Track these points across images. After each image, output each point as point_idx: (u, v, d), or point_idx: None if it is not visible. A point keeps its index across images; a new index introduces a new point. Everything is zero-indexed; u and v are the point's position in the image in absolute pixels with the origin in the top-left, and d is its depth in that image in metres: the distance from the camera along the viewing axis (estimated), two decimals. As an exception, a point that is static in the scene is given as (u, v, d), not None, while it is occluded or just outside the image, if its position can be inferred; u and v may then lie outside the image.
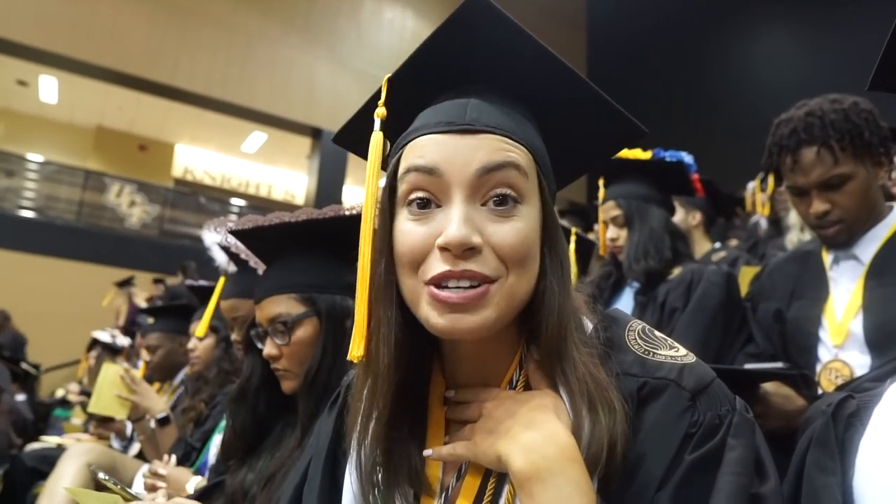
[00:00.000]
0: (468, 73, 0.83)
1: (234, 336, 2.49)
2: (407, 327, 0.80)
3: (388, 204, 0.80)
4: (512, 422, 0.75)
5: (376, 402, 0.81)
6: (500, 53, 0.81)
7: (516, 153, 0.77)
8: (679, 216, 3.17)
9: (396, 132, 0.84)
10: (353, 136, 0.92)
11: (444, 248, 0.73)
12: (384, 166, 0.83)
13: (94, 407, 2.79)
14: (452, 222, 0.73)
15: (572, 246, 2.78)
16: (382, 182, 0.83)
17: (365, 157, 0.85)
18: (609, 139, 0.91)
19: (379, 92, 0.84)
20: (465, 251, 0.72)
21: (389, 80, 0.83)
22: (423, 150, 0.77)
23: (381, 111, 0.82)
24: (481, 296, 0.73)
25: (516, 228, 0.75)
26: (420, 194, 0.76)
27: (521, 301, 0.78)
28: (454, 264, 0.73)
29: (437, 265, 0.74)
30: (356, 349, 0.78)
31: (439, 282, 0.74)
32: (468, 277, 0.73)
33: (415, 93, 0.83)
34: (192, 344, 3.03)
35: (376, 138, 0.82)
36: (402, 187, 0.78)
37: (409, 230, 0.76)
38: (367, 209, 0.79)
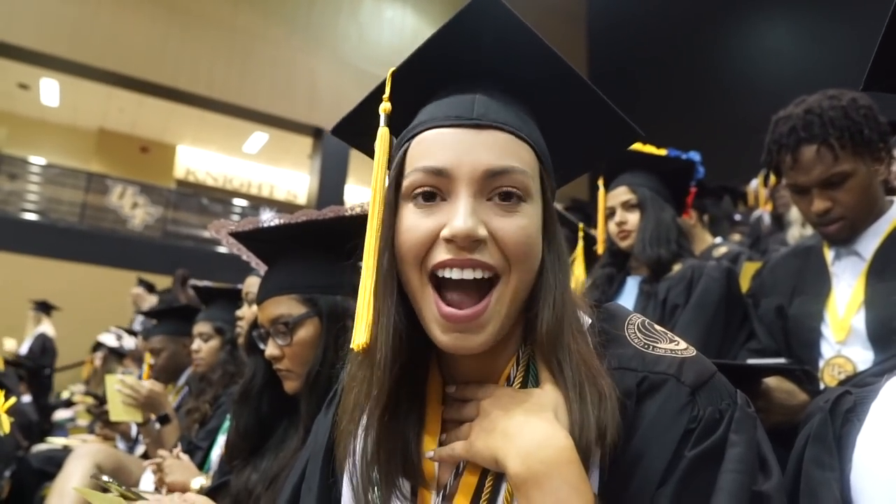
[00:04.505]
0: (473, 68, 0.82)
1: (241, 311, 2.66)
2: (407, 319, 0.80)
3: (393, 196, 0.80)
4: (508, 422, 0.74)
5: (373, 392, 0.81)
6: (505, 51, 0.81)
7: (522, 153, 0.78)
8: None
9: (400, 126, 0.84)
10: (353, 129, 0.92)
11: (449, 240, 0.74)
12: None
13: (113, 416, 2.82)
14: (458, 215, 0.73)
15: (580, 243, 2.78)
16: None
17: (365, 150, 0.86)
18: (607, 140, 0.92)
19: (382, 86, 0.83)
20: (471, 243, 0.73)
21: (393, 75, 0.83)
22: (431, 146, 0.78)
23: (385, 106, 0.82)
24: (483, 311, 0.74)
25: (520, 224, 0.76)
26: (426, 189, 0.77)
27: (522, 300, 0.79)
28: (458, 254, 0.74)
29: (440, 254, 0.75)
30: (359, 336, 0.76)
31: (439, 269, 0.75)
32: (471, 266, 0.74)
33: (419, 87, 0.83)
34: (195, 345, 3.04)
35: (383, 134, 0.81)
36: (406, 182, 0.78)
37: (413, 223, 0.77)
38: (375, 205, 0.79)
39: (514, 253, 0.75)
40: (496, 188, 0.76)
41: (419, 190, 0.77)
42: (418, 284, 0.77)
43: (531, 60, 0.82)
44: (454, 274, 0.75)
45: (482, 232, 0.74)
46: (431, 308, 0.76)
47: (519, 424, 0.73)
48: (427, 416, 0.86)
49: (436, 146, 0.77)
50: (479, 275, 0.75)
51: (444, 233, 0.74)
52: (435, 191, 0.76)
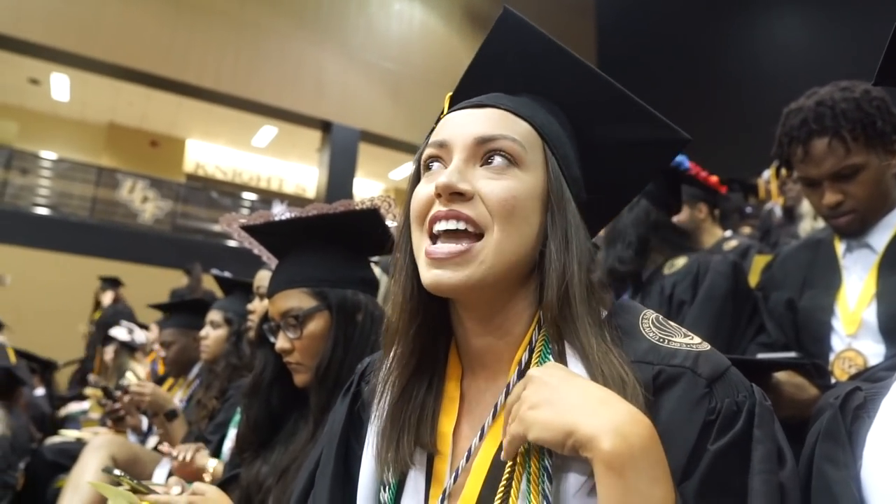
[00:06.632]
0: (503, 80, 0.94)
1: (252, 305, 2.71)
2: (418, 281, 0.85)
3: (415, 173, 0.91)
4: (581, 397, 0.69)
5: (397, 363, 0.88)
6: (530, 62, 0.92)
7: (517, 126, 0.85)
8: (685, 214, 3.16)
9: None
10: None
11: (437, 195, 0.81)
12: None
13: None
14: (445, 172, 0.81)
15: None
16: None
17: None
18: (652, 147, 0.93)
19: (444, 109, 0.97)
20: (454, 195, 0.80)
21: (451, 97, 0.96)
22: (441, 127, 0.89)
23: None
24: (464, 252, 0.78)
25: (506, 185, 0.81)
26: (432, 159, 0.87)
27: (511, 262, 0.81)
28: (444, 205, 0.81)
29: (433, 210, 0.82)
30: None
31: (434, 224, 0.81)
32: (454, 217, 0.80)
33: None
34: (204, 332, 3.08)
35: None
36: (422, 158, 0.89)
37: (419, 187, 0.87)
38: None
39: (497, 209, 0.80)
40: (486, 153, 0.83)
41: (428, 161, 0.87)
42: (418, 239, 0.84)
43: (556, 69, 0.91)
44: (441, 225, 0.80)
45: (463, 186, 0.80)
46: (421, 251, 0.82)
47: (599, 399, 0.69)
48: (445, 394, 0.89)
49: (444, 125, 0.88)
50: (461, 226, 0.80)
51: (433, 189, 0.82)
52: (438, 160, 0.86)
